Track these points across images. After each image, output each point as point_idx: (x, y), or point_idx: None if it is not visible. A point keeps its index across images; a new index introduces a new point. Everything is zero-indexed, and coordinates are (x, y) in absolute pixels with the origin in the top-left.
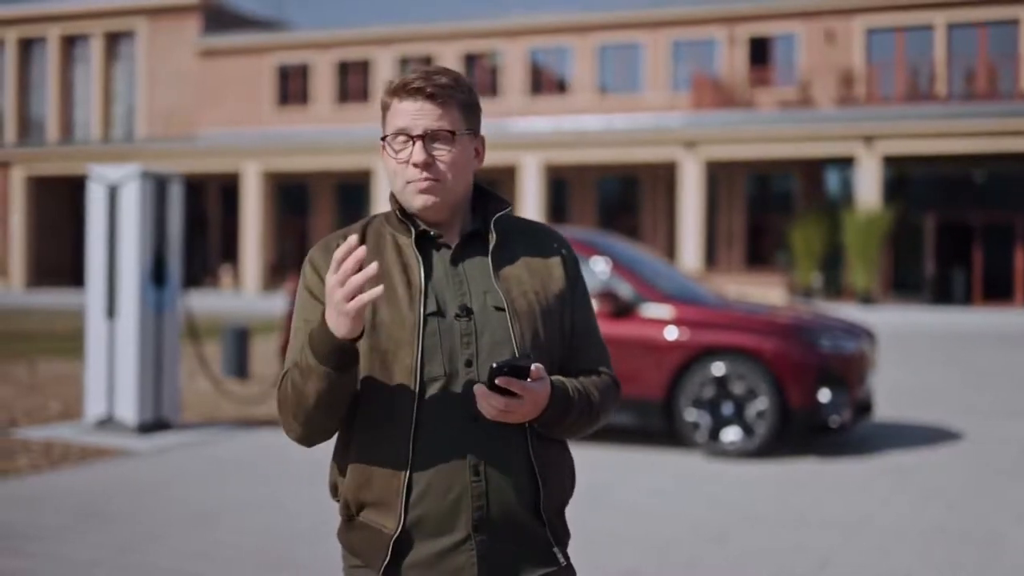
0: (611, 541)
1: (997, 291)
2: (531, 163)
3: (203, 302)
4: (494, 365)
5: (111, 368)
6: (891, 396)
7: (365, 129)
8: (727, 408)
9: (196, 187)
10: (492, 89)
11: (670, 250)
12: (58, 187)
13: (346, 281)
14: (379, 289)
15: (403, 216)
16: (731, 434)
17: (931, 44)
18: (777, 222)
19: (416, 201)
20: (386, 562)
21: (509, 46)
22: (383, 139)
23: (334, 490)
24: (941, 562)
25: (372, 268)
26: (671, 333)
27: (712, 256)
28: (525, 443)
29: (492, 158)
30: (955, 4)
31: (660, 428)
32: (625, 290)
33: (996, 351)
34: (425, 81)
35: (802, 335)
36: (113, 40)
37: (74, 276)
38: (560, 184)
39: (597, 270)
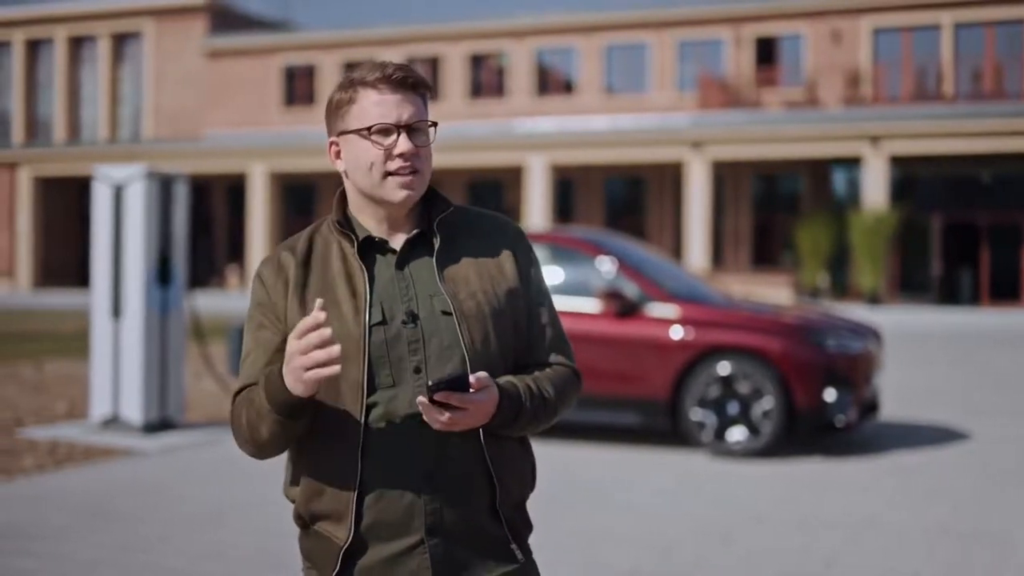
0: (616, 541)
1: (1004, 291)
2: (537, 163)
3: (209, 302)
4: (430, 383)
5: (116, 368)
6: (897, 396)
7: None
8: (733, 408)
9: (203, 188)
10: (498, 89)
11: (676, 250)
12: (65, 188)
13: (308, 352)
14: (336, 368)
15: (344, 224)
16: (737, 434)
17: (938, 44)
18: (783, 222)
19: (398, 194)
20: (336, 572)
21: (515, 46)
22: (365, 130)
23: (291, 500)
24: (947, 562)
25: (335, 349)
26: (676, 332)
27: (718, 256)
28: (479, 444)
29: (498, 158)
30: (962, 4)
31: (665, 428)
32: (631, 290)
33: (1003, 351)
34: (404, 72)
35: (808, 335)
36: (120, 41)
37: (81, 276)
38: (566, 184)
39: (603, 270)
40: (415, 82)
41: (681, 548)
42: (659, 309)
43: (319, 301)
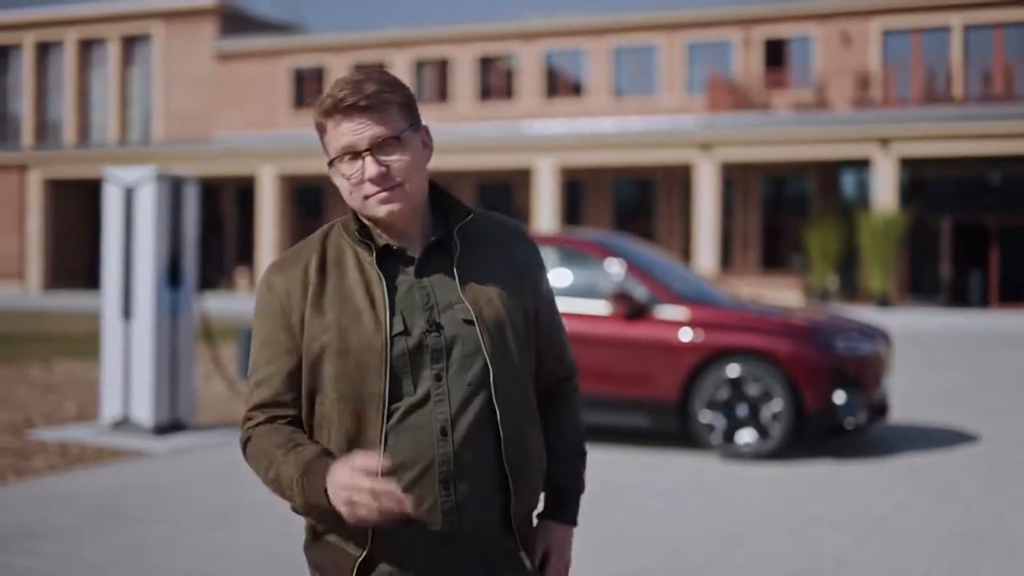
0: (625, 542)
1: (1014, 293)
2: (546, 165)
3: (219, 304)
4: None
5: (127, 370)
6: (907, 398)
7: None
8: (742, 410)
9: (212, 190)
10: (507, 92)
11: (685, 252)
12: (75, 190)
13: (376, 501)
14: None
15: (362, 233)
16: (746, 436)
17: (947, 46)
18: (793, 224)
19: (381, 212)
20: None
21: (524, 49)
22: (330, 162)
23: (299, 511)
24: (958, 563)
25: (404, 504)
26: (686, 335)
27: (728, 258)
28: (499, 453)
29: (507, 160)
30: (971, 6)
31: (675, 430)
32: (640, 292)
33: (1013, 353)
34: (356, 95)
35: (817, 337)
36: (129, 44)
37: (91, 278)
38: (575, 186)
39: (612, 272)
40: (366, 103)
41: (690, 549)
42: (668, 311)
43: (385, 464)
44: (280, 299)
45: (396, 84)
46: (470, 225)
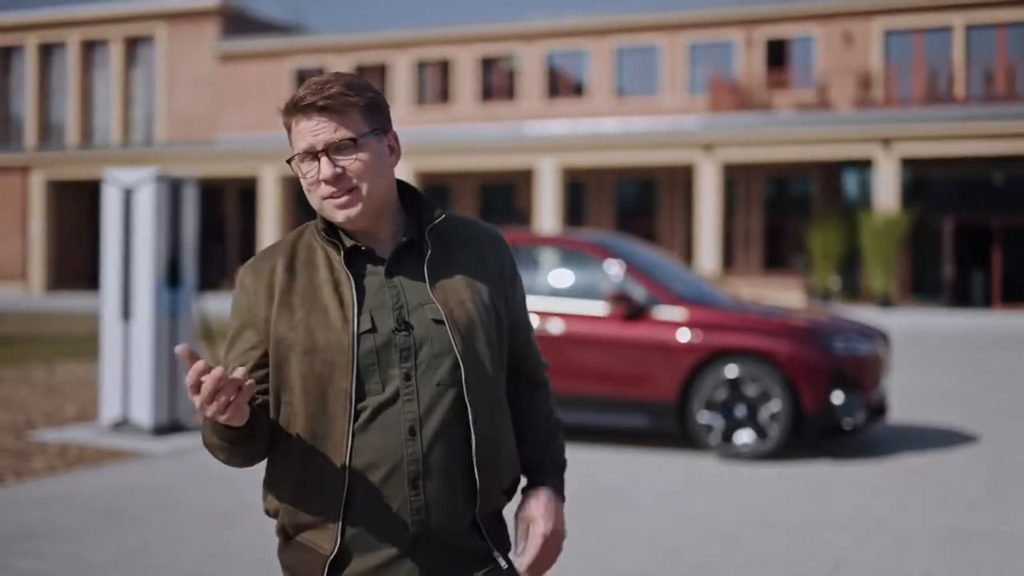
0: (623, 543)
1: (1016, 294)
2: (548, 166)
3: (220, 305)
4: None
5: (126, 371)
6: (909, 399)
7: None
8: (740, 410)
9: (215, 191)
10: (509, 92)
11: (687, 253)
12: (78, 191)
13: (203, 395)
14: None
15: (330, 233)
16: (744, 436)
17: (949, 46)
18: (795, 225)
19: (337, 216)
20: None
21: (526, 49)
22: (289, 160)
23: (270, 513)
24: (957, 564)
25: (216, 373)
26: (684, 335)
27: (730, 259)
28: (468, 453)
29: (509, 161)
30: (973, 5)
31: (673, 430)
32: (638, 292)
33: (1015, 354)
34: (316, 95)
35: (815, 337)
36: (132, 45)
37: (93, 280)
38: (577, 187)
39: (610, 273)
40: (324, 103)
41: (688, 550)
42: (667, 312)
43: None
44: (249, 297)
45: (362, 87)
46: (444, 227)
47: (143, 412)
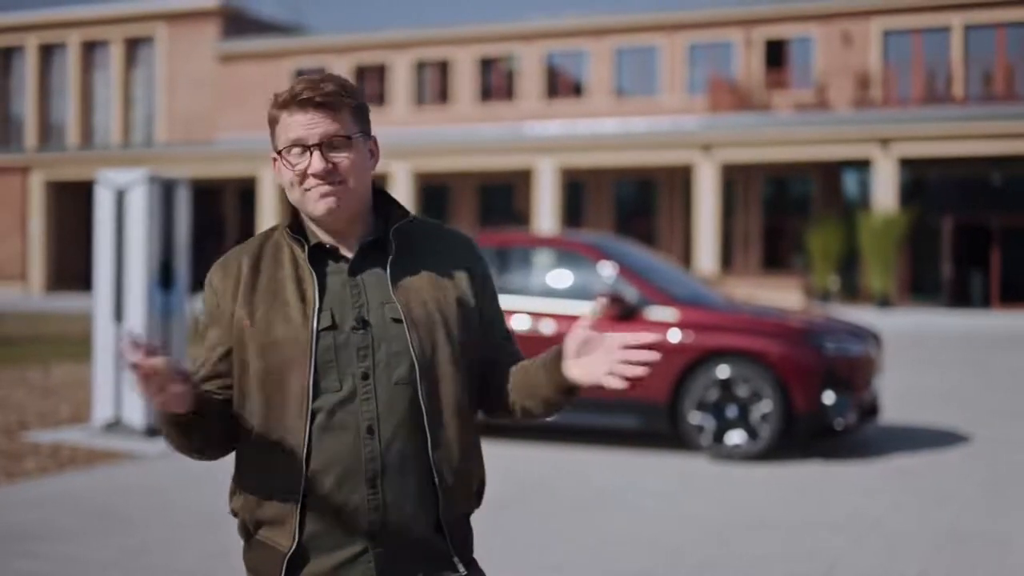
0: (615, 544)
1: (1015, 294)
2: (547, 166)
3: None
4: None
5: (119, 372)
6: (907, 399)
7: (383, 133)
8: (731, 411)
9: (214, 191)
10: (508, 93)
11: (686, 253)
12: (77, 192)
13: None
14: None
15: (296, 230)
16: (735, 437)
17: (948, 46)
18: (794, 225)
19: (319, 208)
20: None
21: (525, 49)
22: (278, 152)
23: (234, 512)
24: (950, 565)
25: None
26: (676, 336)
27: (728, 259)
28: (426, 452)
29: (508, 161)
30: (972, 5)
31: (665, 431)
32: (630, 293)
33: (1014, 354)
34: (313, 91)
35: (807, 338)
36: (132, 45)
37: (93, 280)
38: (576, 187)
39: (603, 274)
40: (322, 99)
41: (680, 551)
42: (659, 313)
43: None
44: (217, 295)
45: (353, 90)
46: (412, 229)
47: (135, 413)
